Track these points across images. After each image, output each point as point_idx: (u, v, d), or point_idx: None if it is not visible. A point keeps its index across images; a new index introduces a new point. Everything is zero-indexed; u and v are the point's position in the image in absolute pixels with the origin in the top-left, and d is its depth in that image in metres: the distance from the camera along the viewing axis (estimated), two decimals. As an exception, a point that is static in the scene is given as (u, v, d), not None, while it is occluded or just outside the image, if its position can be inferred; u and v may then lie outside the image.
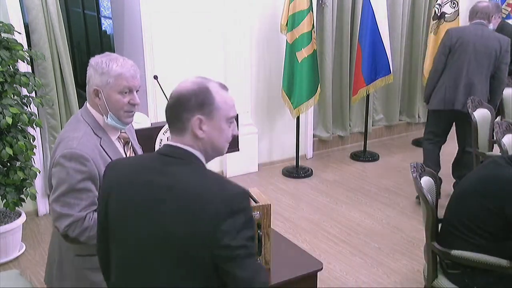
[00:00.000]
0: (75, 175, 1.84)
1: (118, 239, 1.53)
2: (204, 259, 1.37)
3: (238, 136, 3.63)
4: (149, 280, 1.44)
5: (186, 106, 1.45)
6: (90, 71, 1.94)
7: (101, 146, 1.93)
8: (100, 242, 1.64)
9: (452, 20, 5.29)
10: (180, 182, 1.42)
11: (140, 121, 3.21)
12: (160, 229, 1.40)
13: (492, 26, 4.32)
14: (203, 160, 1.51)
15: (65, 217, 1.85)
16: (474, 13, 4.29)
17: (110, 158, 1.93)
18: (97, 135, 1.95)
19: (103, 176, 1.61)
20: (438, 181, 2.75)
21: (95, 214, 1.85)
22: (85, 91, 2.01)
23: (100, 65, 1.90)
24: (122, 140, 2.08)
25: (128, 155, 2.08)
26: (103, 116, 1.96)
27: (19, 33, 3.75)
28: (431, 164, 4.44)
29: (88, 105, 2.00)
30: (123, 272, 1.52)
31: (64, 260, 2.05)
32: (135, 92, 1.96)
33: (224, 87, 1.53)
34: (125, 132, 2.09)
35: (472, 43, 4.17)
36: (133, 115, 2.01)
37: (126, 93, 1.93)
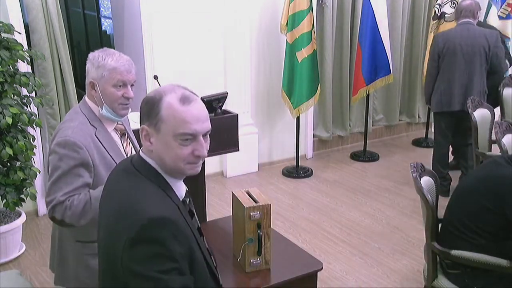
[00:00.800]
0: (68, 161, 1.92)
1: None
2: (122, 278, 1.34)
3: (238, 136, 3.66)
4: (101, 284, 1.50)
5: (140, 113, 1.44)
6: (88, 65, 2.03)
7: (96, 136, 2.01)
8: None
9: (452, 20, 5.28)
10: (119, 193, 1.42)
11: (138, 120, 3.21)
12: (101, 235, 1.45)
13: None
14: (159, 169, 1.43)
15: (51, 201, 1.94)
16: (459, 12, 4.35)
17: (105, 147, 2.01)
18: (93, 126, 2.02)
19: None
20: (438, 181, 2.74)
21: (78, 196, 1.93)
22: (85, 91, 2.09)
23: (97, 59, 1.99)
24: (119, 132, 2.14)
25: (125, 146, 2.14)
26: (99, 107, 2.04)
27: (19, 33, 3.75)
28: (440, 166, 4.51)
29: (86, 97, 2.09)
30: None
31: (63, 245, 2.13)
32: (129, 86, 2.03)
33: (185, 101, 1.38)
34: (121, 124, 2.15)
35: (459, 45, 4.24)
36: (128, 107, 2.08)
37: (120, 86, 2.01)
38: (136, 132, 2.35)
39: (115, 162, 1.97)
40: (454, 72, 4.30)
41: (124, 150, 2.13)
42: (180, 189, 1.47)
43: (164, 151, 1.39)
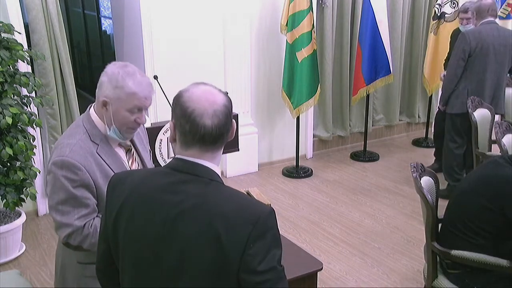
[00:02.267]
0: (68, 184, 1.80)
1: (131, 262, 1.41)
2: (232, 284, 1.29)
3: (238, 136, 3.66)
4: None
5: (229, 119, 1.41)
6: (103, 79, 1.86)
7: (98, 154, 1.87)
8: (102, 262, 1.54)
9: (452, 20, 5.29)
10: (200, 201, 1.32)
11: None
12: (182, 253, 1.31)
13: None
14: (218, 171, 1.42)
15: (65, 226, 1.83)
16: (485, 11, 4.21)
17: (108, 165, 1.88)
18: (94, 142, 1.89)
19: (108, 190, 1.49)
20: (438, 182, 2.74)
21: (96, 221, 1.83)
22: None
23: (116, 77, 1.82)
24: (124, 148, 2.02)
25: (130, 163, 2.02)
26: (105, 125, 1.90)
27: (19, 33, 3.75)
28: (458, 170, 4.47)
29: (91, 110, 1.94)
30: None
31: (66, 266, 2.02)
32: (144, 111, 1.90)
33: None
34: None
35: (492, 45, 4.17)
36: (135, 131, 1.96)
37: (135, 111, 1.87)
38: (148, 130, 2.29)
39: None
40: (485, 72, 4.20)
41: (130, 167, 2.00)
42: None
43: None
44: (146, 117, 1.99)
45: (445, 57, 5.04)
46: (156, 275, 1.36)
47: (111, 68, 1.85)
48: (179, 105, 1.36)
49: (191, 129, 1.34)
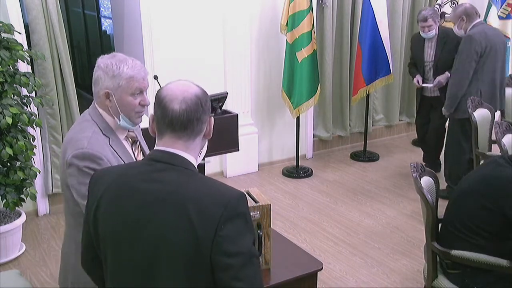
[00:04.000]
0: (91, 174, 1.83)
1: (112, 251, 1.46)
2: (206, 266, 1.33)
3: (238, 136, 3.66)
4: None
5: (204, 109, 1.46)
6: (99, 73, 1.92)
7: (111, 146, 1.94)
8: (87, 254, 1.59)
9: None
10: (174, 188, 1.38)
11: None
12: (157, 239, 1.36)
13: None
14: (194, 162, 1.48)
15: None
16: (473, 13, 4.22)
17: (120, 156, 1.94)
18: (105, 135, 1.94)
19: (89, 186, 1.53)
20: (438, 182, 2.74)
21: None
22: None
23: (111, 67, 1.89)
24: (130, 140, 2.08)
25: (136, 154, 2.08)
26: (113, 117, 1.96)
27: (19, 33, 3.75)
28: (464, 174, 4.40)
29: (96, 104, 1.99)
30: (123, 284, 1.46)
31: (78, 264, 2.00)
32: (145, 93, 1.97)
33: None
34: (132, 131, 2.09)
35: (496, 45, 4.19)
36: (143, 115, 2.02)
37: (137, 94, 1.94)
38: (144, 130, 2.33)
39: None
40: (495, 72, 4.21)
41: (136, 158, 2.06)
42: None
43: None
44: (146, 116, 2.02)
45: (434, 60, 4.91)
46: (133, 259, 1.41)
47: (102, 61, 1.92)
48: (156, 96, 1.46)
49: (162, 114, 1.42)
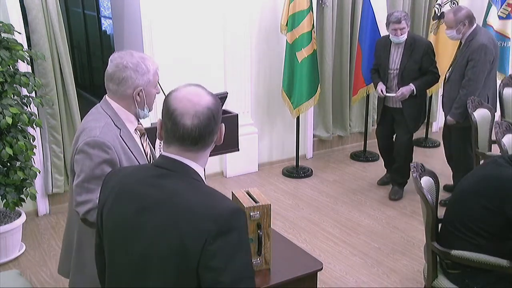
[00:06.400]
0: (98, 162, 1.93)
1: (108, 251, 1.47)
2: (192, 278, 1.29)
3: (238, 136, 3.66)
4: None
5: (216, 120, 1.42)
6: (128, 73, 1.99)
7: (121, 137, 2.02)
8: (98, 254, 1.59)
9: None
10: (171, 195, 1.35)
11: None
12: (148, 244, 1.34)
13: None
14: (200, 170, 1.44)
15: (86, 202, 1.93)
16: (472, 16, 4.16)
17: (129, 148, 2.02)
18: (117, 127, 2.03)
19: (102, 186, 1.56)
20: (438, 182, 2.74)
21: None
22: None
23: (140, 65, 2.00)
24: (139, 132, 2.15)
25: (145, 146, 2.15)
26: (129, 111, 2.06)
27: (19, 33, 3.75)
28: None
29: (107, 97, 2.08)
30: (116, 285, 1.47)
31: (84, 246, 2.09)
32: None
33: None
34: (141, 124, 2.17)
35: (498, 50, 4.22)
36: None
37: (156, 86, 2.10)
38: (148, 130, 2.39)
39: (139, 163, 2.00)
40: (496, 76, 4.27)
41: (144, 151, 2.13)
42: None
43: None
44: (147, 115, 2.08)
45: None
46: (125, 262, 1.41)
47: (126, 60, 1.99)
48: (165, 103, 1.41)
49: (172, 128, 1.38)
